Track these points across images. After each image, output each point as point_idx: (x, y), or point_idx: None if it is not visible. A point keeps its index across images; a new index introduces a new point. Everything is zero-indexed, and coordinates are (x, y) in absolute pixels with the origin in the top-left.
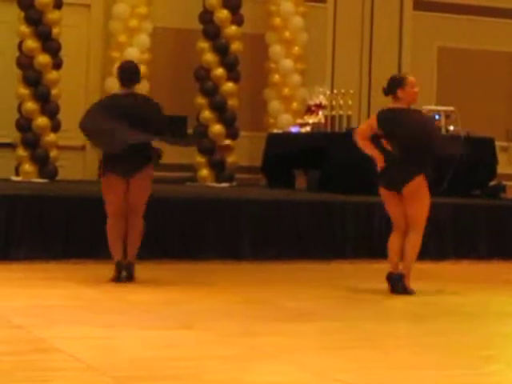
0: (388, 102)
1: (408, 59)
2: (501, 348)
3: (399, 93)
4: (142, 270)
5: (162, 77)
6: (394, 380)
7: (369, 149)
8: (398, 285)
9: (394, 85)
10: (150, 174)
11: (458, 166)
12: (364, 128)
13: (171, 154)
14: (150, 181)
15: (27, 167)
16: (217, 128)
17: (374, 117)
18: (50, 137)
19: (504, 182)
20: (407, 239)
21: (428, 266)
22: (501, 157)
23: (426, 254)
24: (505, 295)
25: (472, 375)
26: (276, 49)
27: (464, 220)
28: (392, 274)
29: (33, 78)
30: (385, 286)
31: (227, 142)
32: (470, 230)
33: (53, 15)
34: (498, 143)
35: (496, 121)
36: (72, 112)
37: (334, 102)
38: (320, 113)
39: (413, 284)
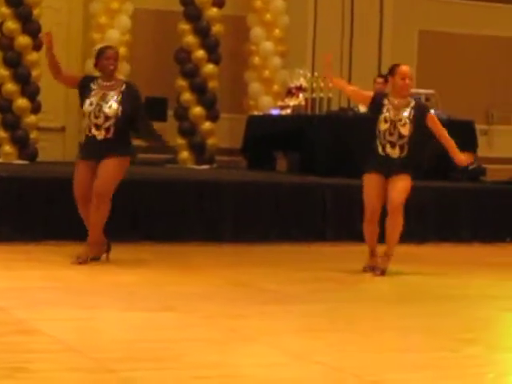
0: (368, 86)
1: (389, 42)
2: (481, 331)
3: (390, 80)
4: (123, 252)
5: (142, 59)
6: (374, 362)
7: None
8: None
9: (389, 72)
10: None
11: (438, 149)
12: (359, 92)
13: None
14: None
15: (7, 149)
16: (197, 110)
17: (371, 94)
18: (31, 118)
19: (484, 165)
20: (392, 223)
21: (410, 249)
22: (481, 140)
23: (407, 236)
24: (485, 278)
25: (452, 358)
26: (257, 31)
27: (444, 203)
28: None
29: (13, 60)
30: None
31: None
32: (450, 213)
33: None
34: (478, 126)
35: (476, 104)
36: (52, 94)
37: (314, 85)
38: (300, 95)
39: (395, 267)
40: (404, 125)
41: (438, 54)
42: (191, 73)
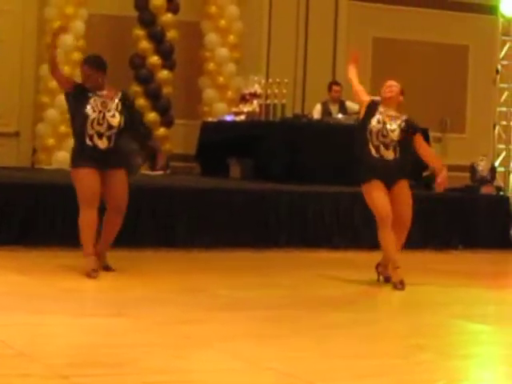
0: (322, 93)
1: (343, 49)
2: (432, 337)
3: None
4: (73, 257)
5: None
6: (325, 369)
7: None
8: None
9: None
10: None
11: None
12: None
13: None
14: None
15: None
16: (151, 116)
17: (367, 99)
18: None
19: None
20: (401, 236)
21: (361, 256)
22: (435, 147)
23: (360, 243)
24: (437, 285)
25: (403, 364)
26: (211, 37)
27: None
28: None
29: None
30: (316, 272)
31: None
32: None
33: None
34: (432, 133)
35: (430, 111)
36: (6, 98)
37: (268, 91)
38: (255, 102)
39: (344, 273)
40: (394, 131)
41: (392, 61)
42: (146, 78)
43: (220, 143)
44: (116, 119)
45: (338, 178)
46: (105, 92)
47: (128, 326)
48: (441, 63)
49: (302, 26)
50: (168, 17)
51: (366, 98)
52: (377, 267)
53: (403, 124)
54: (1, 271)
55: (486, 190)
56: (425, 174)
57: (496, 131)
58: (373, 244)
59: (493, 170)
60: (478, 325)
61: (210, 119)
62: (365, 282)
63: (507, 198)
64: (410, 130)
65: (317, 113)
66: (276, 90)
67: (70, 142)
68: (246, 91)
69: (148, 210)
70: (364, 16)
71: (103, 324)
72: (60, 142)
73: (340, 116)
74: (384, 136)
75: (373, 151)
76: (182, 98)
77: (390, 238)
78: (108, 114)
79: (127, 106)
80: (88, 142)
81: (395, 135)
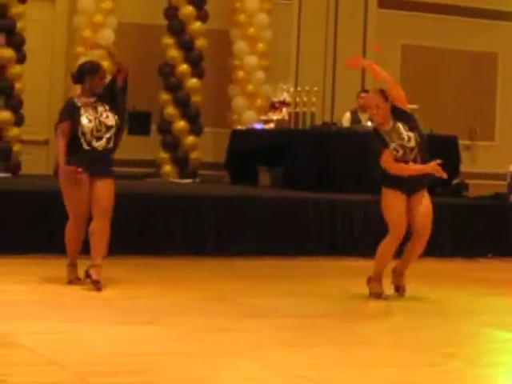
0: (351, 101)
1: (372, 56)
2: (462, 346)
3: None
4: (106, 266)
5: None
6: (355, 377)
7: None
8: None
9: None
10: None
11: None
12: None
13: (134, 149)
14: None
15: None
16: (181, 124)
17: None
18: (14, 131)
19: (466, 181)
20: (420, 246)
21: (390, 264)
22: (463, 155)
23: None
24: (467, 293)
25: (433, 372)
26: (240, 45)
27: None
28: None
29: None
30: (345, 281)
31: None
32: (433, 229)
33: (17, 9)
34: (460, 142)
35: (459, 119)
36: (35, 106)
37: (297, 99)
38: (284, 110)
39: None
40: (409, 140)
41: (421, 69)
42: (175, 87)
43: (249, 151)
44: (110, 119)
45: (366, 187)
46: (92, 99)
47: (157, 335)
48: (470, 71)
49: (331, 33)
50: (197, 25)
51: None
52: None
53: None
54: (31, 278)
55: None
56: (454, 181)
57: None
58: (400, 253)
59: None
60: (508, 333)
61: (239, 127)
62: (391, 291)
63: None
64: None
65: (346, 121)
66: (305, 98)
67: None
68: (275, 99)
69: (177, 218)
70: (393, 23)
71: (133, 332)
72: None
73: (369, 124)
74: (409, 140)
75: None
76: (211, 106)
77: (392, 251)
78: (102, 118)
79: (111, 99)
80: (87, 147)
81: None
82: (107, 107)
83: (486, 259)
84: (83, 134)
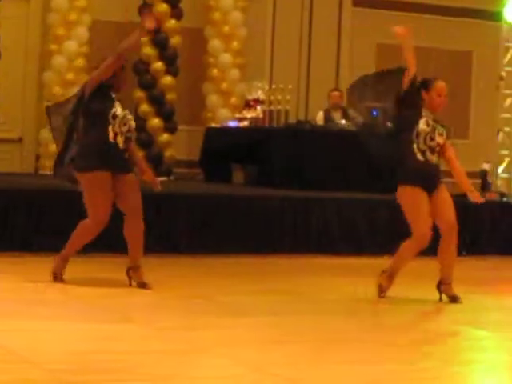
0: (326, 99)
1: (347, 55)
2: (438, 344)
3: (423, 95)
4: (80, 263)
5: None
6: (330, 374)
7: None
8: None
9: (421, 85)
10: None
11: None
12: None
13: None
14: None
15: None
16: (155, 122)
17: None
18: None
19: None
20: (452, 244)
21: (365, 262)
22: None
23: (363, 250)
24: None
25: (409, 371)
26: (215, 43)
27: (402, 217)
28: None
29: None
30: (320, 279)
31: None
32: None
33: None
34: None
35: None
36: (9, 104)
37: (272, 97)
38: (258, 108)
39: (347, 280)
40: (441, 134)
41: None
42: (149, 84)
43: (223, 149)
44: (133, 122)
45: (341, 184)
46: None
47: (130, 333)
48: (444, 69)
49: (306, 32)
50: (172, 23)
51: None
52: (438, 286)
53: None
54: (5, 277)
55: (489, 196)
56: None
57: (500, 137)
58: (376, 251)
59: (494, 176)
60: (482, 331)
61: (213, 125)
62: (368, 289)
63: (511, 205)
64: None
65: (320, 120)
66: (279, 97)
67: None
68: (250, 97)
69: (151, 216)
70: (368, 22)
71: (105, 330)
72: None
73: (343, 122)
74: (432, 139)
75: (418, 155)
76: (185, 104)
77: (413, 255)
78: (128, 116)
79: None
80: (112, 140)
81: (442, 140)
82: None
83: (460, 258)
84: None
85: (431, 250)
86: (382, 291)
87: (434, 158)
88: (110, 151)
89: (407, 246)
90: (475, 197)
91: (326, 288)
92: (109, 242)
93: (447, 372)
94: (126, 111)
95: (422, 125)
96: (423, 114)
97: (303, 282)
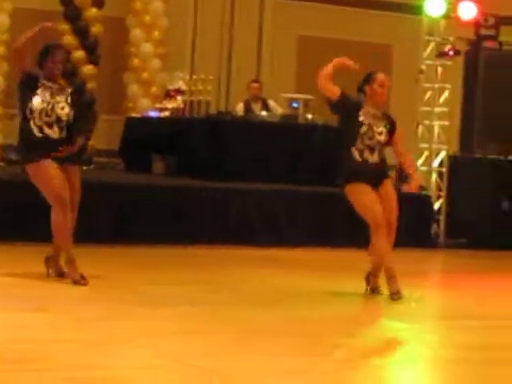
0: (245, 90)
1: (268, 46)
2: (352, 336)
3: (367, 89)
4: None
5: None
6: (246, 365)
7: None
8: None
9: (363, 81)
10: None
11: (316, 155)
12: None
13: None
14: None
15: None
16: None
17: (338, 90)
18: None
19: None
20: (391, 240)
21: (284, 253)
22: None
23: (283, 241)
24: (356, 283)
25: (324, 362)
26: (136, 33)
27: (322, 209)
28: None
29: None
30: (239, 270)
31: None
32: (327, 219)
33: None
34: None
35: None
36: None
37: (193, 88)
38: (179, 98)
39: (267, 271)
40: (381, 133)
41: (317, 60)
42: (70, 73)
43: (144, 139)
44: (64, 112)
45: (261, 175)
46: (55, 85)
47: (47, 322)
48: (365, 62)
49: (228, 23)
50: (93, 12)
51: (337, 90)
52: (367, 278)
53: (388, 125)
54: None
55: (407, 188)
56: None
57: (419, 130)
58: (296, 242)
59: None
60: (398, 323)
61: (133, 115)
62: (287, 280)
63: (429, 197)
64: (391, 129)
65: (240, 111)
66: (200, 87)
67: None
68: (171, 87)
69: None
70: (289, 14)
71: (24, 319)
72: None
73: (264, 113)
74: (370, 138)
75: (356, 155)
76: (106, 94)
77: (386, 246)
78: (57, 106)
79: (78, 101)
80: (39, 133)
81: (382, 138)
82: (69, 101)
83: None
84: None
85: (366, 242)
86: (374, 291)
87: (374, 157)
88: (46, 143)
89: (376, 243)
90: (412, 187)
91: (246, 279)
92: (26, 231)
93: (365, 364)
94: (59, 98)
95: (359, 128)
96: (361, 113)
97: (223, 272)
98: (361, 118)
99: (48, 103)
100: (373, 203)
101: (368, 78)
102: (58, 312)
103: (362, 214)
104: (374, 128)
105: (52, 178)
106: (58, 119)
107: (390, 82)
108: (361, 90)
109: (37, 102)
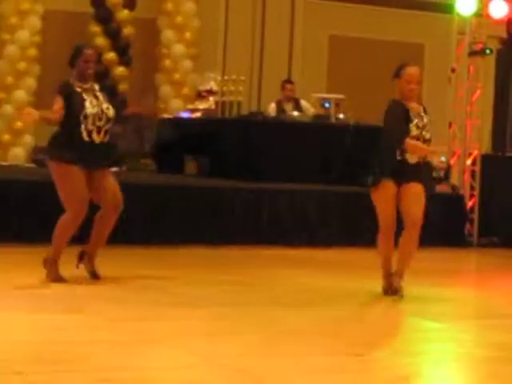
0: (278, 90)
1: (299, 46)
2: (385, 335)
3: (397, 83)
4: (26, 254)
5: (53, 60)
6: (277, 365)
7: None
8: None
9: (395, 73)
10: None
11: (347, 155)
12: None
13: None
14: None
15: None
16: None
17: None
18: None
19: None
20: (410, 239)
21: (317, 253)
22: None
23: (315, 241)
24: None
25: (357, 361)
26: (168, 34)
27: (354, 208)
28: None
29: None
30: (271, 270)
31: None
32: (359, 218)
33: None
34: None
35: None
36: None
37: (224, 88)
38: (211, 99)
39: (299, 271)
40: (428, 130)
41: (348, 59)
42: (102, 75)
43: (176, 140)
44: (111, 111)
45: (293, 175)
46: (87, 85)
47: (84, 323)
48: (396, 61)
49: (259, 23)
50: (124, 13)
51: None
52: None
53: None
54: None
55: (441, 188)
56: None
57: (452, 130)
58: (328, 242)
59: (448, 168)
60: (431, 322)
61: (165, 116)
62: (320, 280)
63: (462, 197)
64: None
65: (272, 111)
66: (232, 88)
67: (26, 138)
68: (202, 88)
69: None
70: (320, 14)
71: (59, 320)
72: (15, 138)
73: (295, 114)
74: (419, 140)
75: (397, 153)
76: (137, 95)
77: (387, 247)
78: (104, 107)
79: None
80: (87, 138)
81: (429, 135)
82: (106, 99)
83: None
84: (89, 118)
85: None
86: (386, 292)
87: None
88: (84, 148)
89: (379, 243)
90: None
91: (278, 279)
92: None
93: (399, 362)
94: (101, 98)
95: (412, 131)
96: (411, 114)
97: (255, 273)
98: (413, 120)
99: (97, 107)
100: (385, 200)
101: (397, 72)
102: (92, 313)
103: (378, 214)
104: (424, 128)
105: (78, 184)
106: (108, 120)
107: (421, 76)
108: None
109: (89, 107)
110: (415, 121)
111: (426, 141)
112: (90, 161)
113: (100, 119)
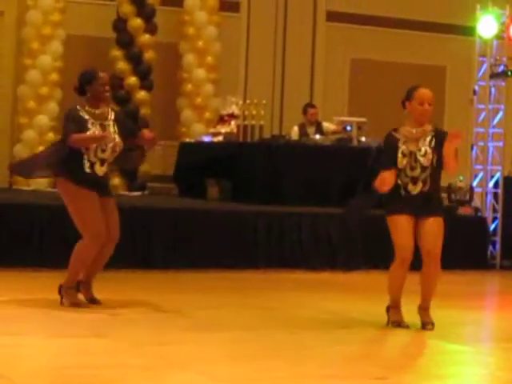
0: (300, 114)
1: (321, 70)
2: (409, 358)
3: (407, 106)
4: (48, 278)
5: (75, 85)
6: None
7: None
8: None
9: (406, 96)
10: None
11: (370, 178)
12: None
13: None
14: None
15: None
16: None
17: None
18: None
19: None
20: (430, 272)
21: (337, 277)
22: None
23: (336, 264)
24: (412, 305)
25: None
26: (189, 58)
27: (376, 232)
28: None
29: None
30: (293, 293)
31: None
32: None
33: None
34: None
35: None
36: None
37: (246, 112)
38: (232, 122)
39: (320, 295)
40: (425, 155)
41: (369, 82)
42: (123, 99)
43: (198, 164)
44: (118, 142)
45: (315, 199)
46: (100, 110)
47: (104, 347)
48: (417, 83)
49: (280, 47)
50: (146, 38)
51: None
52: (387, 310)
53: (433, 140)
54: None
55: (463, 210)
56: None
57: (473, 152)
58: (349, 265)
59: (471, 190)
60: (455, 345)
61: (187, 140)
62: (340, 304)
63: (485, 219)
64: (439, 141)
65: (294, 135)
66: (254, 111)
67: None
68: (224, 112)
69: (125, 230)
70: (342, 37)
71: (79, 344)
72: None
73: (317, 137)
74: (412, 169)
75: (401, 188)
76: (159, 119)
77: (399, 276)
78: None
79: (122, 127)
80: (89, 170)
81: (427, 160)
82: (116, 129)
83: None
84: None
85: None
86: (399, 324)
87: (416, 189)
88: (90, 180)
89: (390, 270)
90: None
91: (300, 303)
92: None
93: None
94: (109, 127)
95: (399, 161)
96: (398, 136)
97: (277, 297)
98: (401, 147)
99: None
100: (401, 231)
101: (409, 95)
102: (113, 337)
103: (393, 240)
104: (417, 153)
105: (94, 206)
106: (113, 151)
107: (434, 98)
108: (403, 104)
109: None
110: (402, 148)
111: (424, 167)
112: (96, 190)
113: (103, 151)
